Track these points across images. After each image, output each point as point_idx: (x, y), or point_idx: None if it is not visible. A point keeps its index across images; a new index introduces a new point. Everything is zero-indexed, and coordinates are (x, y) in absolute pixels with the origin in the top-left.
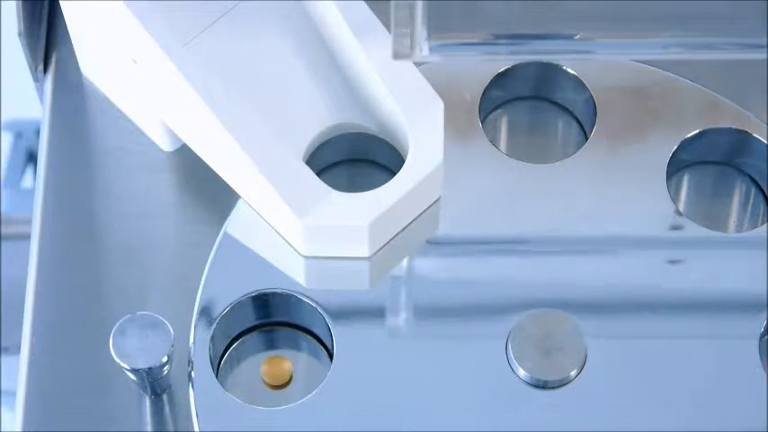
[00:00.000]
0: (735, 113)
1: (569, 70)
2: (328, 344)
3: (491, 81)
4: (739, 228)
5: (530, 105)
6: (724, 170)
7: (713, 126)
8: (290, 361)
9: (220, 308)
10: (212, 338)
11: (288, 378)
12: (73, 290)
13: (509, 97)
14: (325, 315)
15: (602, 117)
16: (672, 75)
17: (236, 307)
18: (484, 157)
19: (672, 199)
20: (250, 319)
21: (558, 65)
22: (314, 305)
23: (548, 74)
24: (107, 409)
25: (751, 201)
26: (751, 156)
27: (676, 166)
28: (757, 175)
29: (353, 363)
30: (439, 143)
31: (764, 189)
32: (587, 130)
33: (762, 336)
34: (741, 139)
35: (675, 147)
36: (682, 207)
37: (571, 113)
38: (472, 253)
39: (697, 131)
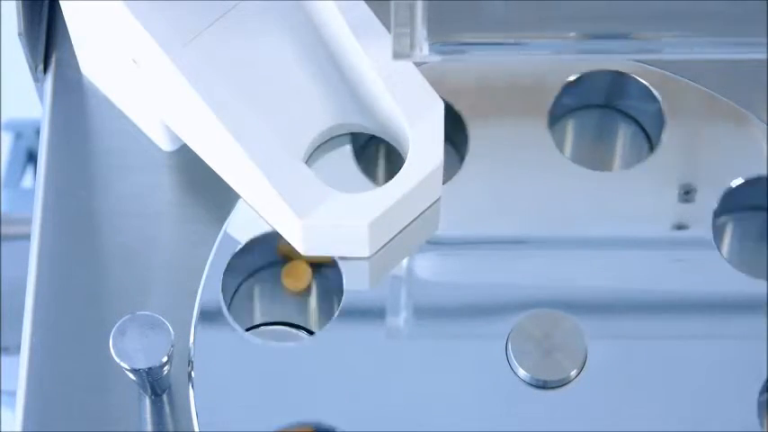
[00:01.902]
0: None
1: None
2: None
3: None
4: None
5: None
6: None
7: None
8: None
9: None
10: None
11: (308, 282)
12: (73, 290)
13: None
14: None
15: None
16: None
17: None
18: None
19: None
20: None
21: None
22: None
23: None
24: (107, 410)
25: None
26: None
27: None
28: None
29: (353, 363)
30: (439, 143)
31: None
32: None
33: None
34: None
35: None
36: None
37: (639, 123)
38: (472, 253)
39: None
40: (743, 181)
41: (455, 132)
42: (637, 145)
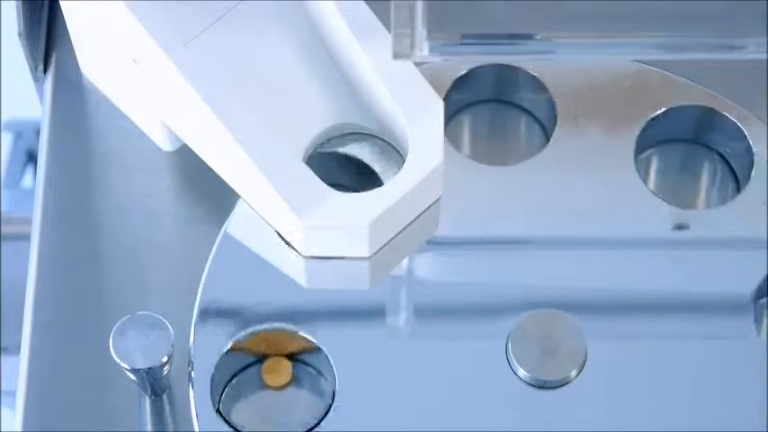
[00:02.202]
0: (697, 92)
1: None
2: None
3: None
4: (708, 204)
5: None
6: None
7: (677, 104)
8: (289, 362)
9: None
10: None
11: (288, 378)
12: (73, 290)
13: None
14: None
15: (563, 118)
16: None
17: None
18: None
19: (642, 179)
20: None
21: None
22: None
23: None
24: (107, 410)
25: (719, 177)
26: (718, 132)
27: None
28: (726, 151)
29: (353, 363)
30: (439, 143)
31: (733, 165)
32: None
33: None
34: (707, 116)
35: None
36: (652, 186)
37: (532, 115)
38: (472, 253)
39: (663, 110)
40: (651, 119)
41: None
42: (534, 137)
